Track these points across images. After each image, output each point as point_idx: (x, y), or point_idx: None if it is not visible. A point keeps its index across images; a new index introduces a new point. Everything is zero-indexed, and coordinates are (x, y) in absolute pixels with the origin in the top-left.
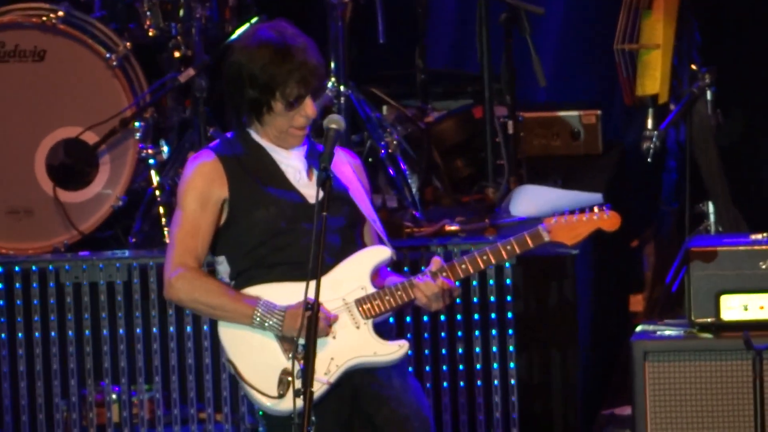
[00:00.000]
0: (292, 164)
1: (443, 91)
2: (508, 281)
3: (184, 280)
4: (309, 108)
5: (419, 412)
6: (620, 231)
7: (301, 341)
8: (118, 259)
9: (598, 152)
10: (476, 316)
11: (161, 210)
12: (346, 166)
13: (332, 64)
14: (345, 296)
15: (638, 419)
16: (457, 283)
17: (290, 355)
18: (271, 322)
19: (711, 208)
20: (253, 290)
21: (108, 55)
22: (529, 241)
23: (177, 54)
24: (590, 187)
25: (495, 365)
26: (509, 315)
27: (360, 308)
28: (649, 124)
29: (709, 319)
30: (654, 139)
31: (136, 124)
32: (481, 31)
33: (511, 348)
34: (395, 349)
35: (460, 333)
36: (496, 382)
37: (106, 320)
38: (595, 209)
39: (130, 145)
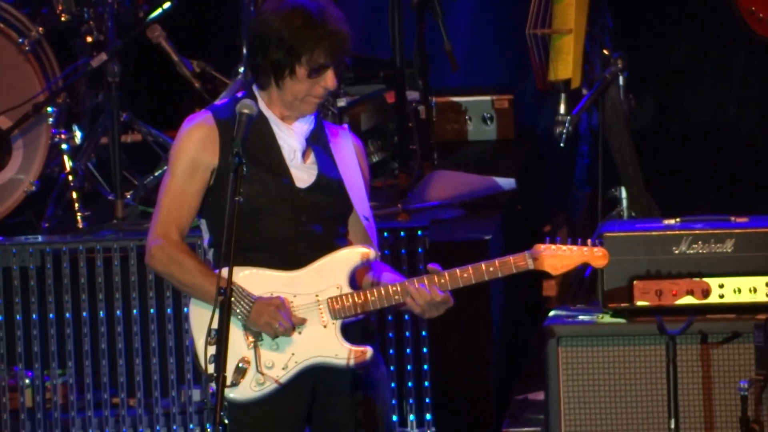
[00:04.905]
0: (290, 142)
1: (355, 76)
2: (420, 267)
3: (163, 253)
4: (330, 79)
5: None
6: (532, 216)
7: (265, 334)
8: (31, 245)
9: (510, 137)
10: None
11: (74, 195)
12: (348, 151)
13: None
14: (319, 293)
15: (551, 404)
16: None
17: (251, 345)
18: (238, 309)
19: (623, 193)
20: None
21: (20, 40)
22: (513, 266)
23: (89, 39)
24: (503, 172)
25: (408, 350)
26: None
27: (331, 307)
28: (562, 109)
29: (622, 305)
30: (566, 124)
31: (49, 109)
32: (394, 15)
33: (424, 333)
34: (357, 355)
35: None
36: (409, 366)
37: (19, 305)
38: (588, 243)
39: (43, 130)
